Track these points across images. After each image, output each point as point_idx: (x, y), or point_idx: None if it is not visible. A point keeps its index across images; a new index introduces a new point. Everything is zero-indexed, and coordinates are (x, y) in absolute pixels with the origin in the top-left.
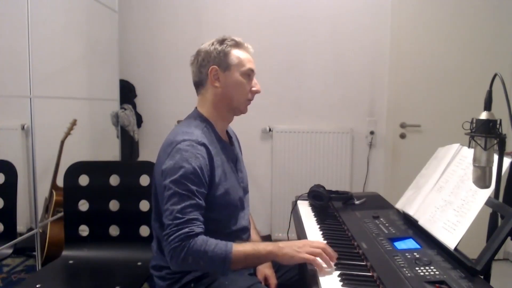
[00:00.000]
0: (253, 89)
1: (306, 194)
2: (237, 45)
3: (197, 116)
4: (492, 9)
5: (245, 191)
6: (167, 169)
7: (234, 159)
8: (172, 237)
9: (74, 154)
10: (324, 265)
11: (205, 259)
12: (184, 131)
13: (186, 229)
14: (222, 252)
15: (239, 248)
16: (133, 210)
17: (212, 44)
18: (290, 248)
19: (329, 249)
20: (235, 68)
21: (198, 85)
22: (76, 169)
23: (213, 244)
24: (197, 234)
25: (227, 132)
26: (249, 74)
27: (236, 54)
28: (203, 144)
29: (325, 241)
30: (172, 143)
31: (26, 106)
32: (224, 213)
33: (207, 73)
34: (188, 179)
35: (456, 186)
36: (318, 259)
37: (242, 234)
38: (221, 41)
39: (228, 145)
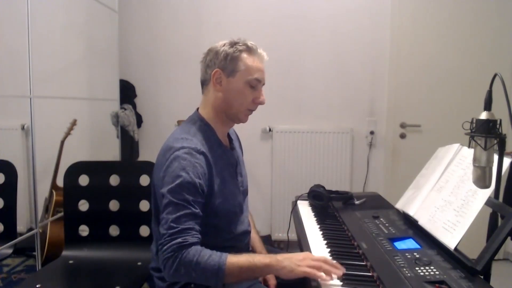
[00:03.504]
0: (257, 100)
1: (306, 194)
2: (249, 50)
3: (197, 119)
4: (492, 9)
5: (245, 194)
6: (164, 176)
7: (234, 164)
8: (165, 247)
9: (74, 154)
10: (326, 277)
11: (197, 271)
12: (183, 137)
13: (179, 239)
14: (215, 264)
15: (233, 260)
16: (133, 210)
17: (224, 45)
18: (290, 261)
19: (330, 261)
20: (241, 75)
21: (203, 84)
22: (76, 169)
23: (207, 255)
24: (191, 244)
25: (228, 134)
26: (254, 84)
27: (245, 60)
28: (202, 153)
29: (325, 241)
30: (170, 148)
31: (26, 106)
32: (224, 219)
33: (211, 74)
34: (184, 189)
35: (456, 186)
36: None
37: (243, 238)
38: (233, 44)
39: (228, 150)
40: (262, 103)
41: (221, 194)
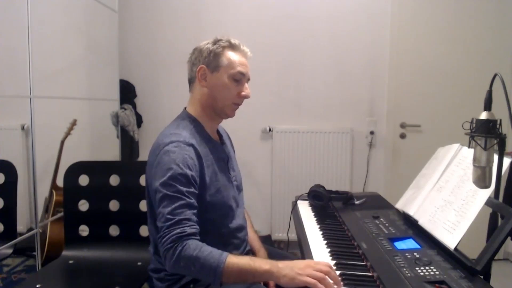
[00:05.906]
0: (242, 93)
1: (306, 194)
2: (232, 46)
3: (185, 117)
4: (492, 9)
5: (239, 189)
6: (156, 172)
7: (225, 158)
8: (164, 239)
9: (74, 154)
10: None
11: (197, 265)
12: (171, 133)
13: (178, 230)
14: (214, 261)
15: (233, 260)
16: (133, 210)
17: (208, 43)
18: (291, 270)
19: (333, 273)
20: (224, 69)
21: (190, 82)
22: (76, 169)
23: (207, 251)
24: (189, 235)
25: (217, 131)
26: (238, 78)
27: (228, 55)
28: (191, 145)
29: (325, 241)
30: (160, 145)
31: (26, 106)
32: (218, 212)
33: (196, 71)
34: (176, 180)
35: (456, 186)
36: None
37: (238, 233)
38: (216, 41)
39: (218, 144)
40: (247, 96)
41: (213, 186)
